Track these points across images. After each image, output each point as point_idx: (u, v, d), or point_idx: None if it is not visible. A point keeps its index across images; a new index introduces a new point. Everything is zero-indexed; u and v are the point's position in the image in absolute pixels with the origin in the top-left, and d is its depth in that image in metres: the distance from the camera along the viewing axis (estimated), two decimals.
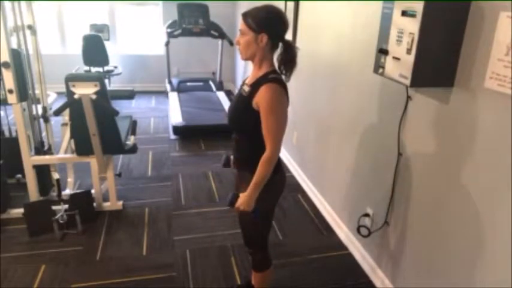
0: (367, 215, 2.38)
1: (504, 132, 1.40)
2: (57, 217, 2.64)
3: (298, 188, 3.46)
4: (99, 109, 2.55)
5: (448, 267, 1.72)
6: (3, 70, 2.45)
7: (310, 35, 3.29)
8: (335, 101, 2.84)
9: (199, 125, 4.54)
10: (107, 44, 5.42)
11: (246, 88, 1.63)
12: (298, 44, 3.48)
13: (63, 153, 2.97)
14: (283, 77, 1.63)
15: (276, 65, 1.64)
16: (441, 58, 1.59)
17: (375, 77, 2.00)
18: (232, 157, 1.84)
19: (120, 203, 3.03)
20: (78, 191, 2.95)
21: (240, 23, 1.59)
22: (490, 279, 1.51)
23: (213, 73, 6.42)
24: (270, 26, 1.56)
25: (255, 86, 1.58)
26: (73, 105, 2.52)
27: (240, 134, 1.73)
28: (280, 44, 1.62)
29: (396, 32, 1.65)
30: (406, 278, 2.06)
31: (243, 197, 1.65)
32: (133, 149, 2.95)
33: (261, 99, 1.55)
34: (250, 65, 1.68)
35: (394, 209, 2.12)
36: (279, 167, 1.75)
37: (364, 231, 2.32)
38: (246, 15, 1.57)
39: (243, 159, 1.76)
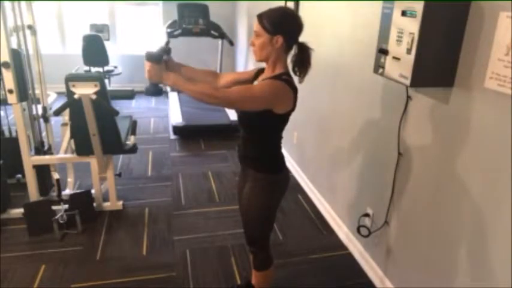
0: (367, 215, 2.37)
1: (504, 132, 1.40)
2: (57, 217, 2.64)
3: (298, 188, 3.45)
4: (99, 109, 2.55)
5: (448, 267, 1.72)
6: (3, 70, 2.45)
7: (310, 35, 3.28)
8: (335, 101, 2.84)
9: (199, 125, 4.54)
10: (107, 44, 5.42)
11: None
12: None
13: (63, 153, 2.97)
14: (296, 78, 1.64)
15: (290, 66, 1.65)
16: (441, 58, 1.59)
17: (375, 77, 2.00)
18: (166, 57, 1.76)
19: (120, 203, 3.03)
20: (78, 191, 2.95)
21: (254, 25, 1.59)
22: (490, 278, 1.51)
23: None
24: (286, 28, 1.56)
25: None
26: (73, 105, 2.52)
27: (248, 132, 1.73)
28: (295, 46, 1.62)
29: (396, 32, 1.65)
30: (406, 278, 2.06)
31: (159, 69, 1.59)
32: (133, 149, 2.95)
33: (265, 81, 1.57)
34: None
35: (394, 208, 2.12)
36: (283, 166, 1.76)
37: (364, 231, 2.32)
38: (261, 17, 1.56)
39: (250, 157, 1.76)
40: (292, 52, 1.64)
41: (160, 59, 1.64)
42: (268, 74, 1.64)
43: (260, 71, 1.75)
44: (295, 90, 1.60)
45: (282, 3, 3.62)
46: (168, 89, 5.70)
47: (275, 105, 1.56)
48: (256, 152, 1.72)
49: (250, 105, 1.55)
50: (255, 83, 1.69)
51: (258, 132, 1.68)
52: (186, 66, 1.87)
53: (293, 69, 1.64)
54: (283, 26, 1.55)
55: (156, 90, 1.66)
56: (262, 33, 1.56)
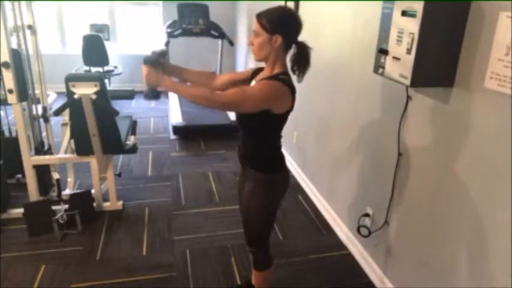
0: (367, 215, 2.38)
1: (504, 132, 1.40)
2: (57, 217, 2.63)
3: (298, 188, 3.45)
4: (99, 109, 2.55)
5: (448, 267, 1.72)
6: (3, 70, 2.45)
7: (310, 35, 3.28)
8: (335, 101, 2.84)
9: (199, 125, 4.54)
10: (107, 44, 5.42)
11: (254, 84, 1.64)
12: None
13: (63, 153, 2.97)
14: (294, 77, 1.64)
15: (289, 65, 1.64)
16: (441, 58, 1.59)
17: (375, 77, 2.00)
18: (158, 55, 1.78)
19: (120, 203, 3.03)
20: (78, 191, 2.95)
21: (254, 24, 1.58)
22: (490, 279, 1.51)
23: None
24: (285, 28, 1.56)
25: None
26: (73, 105, 2.52)
27: (247, 132, 1.73)
28: (294, 45, 1.62)
29: (396, 32, 1.65)
30: (406, 278, 2.06)
31: (156, 74, 1.63)
32: (133, 149, 2.95)
33: (262, 81, 1.57)
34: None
35: (394, 209, 2.12)
36: (283, 165, 1.75)
37: (364, 231, 2.32)
38: (260, 16, 1.56)
39: (250, 156, 1.76)
40: (291, 52, 1.64)
41: (157, 62, 1.64)
42: (267, 73, 1.64)
43: (258, 70, 1.75)
44: (293, 89, 1.59)
45: (282, 3, 3.62)
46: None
47: (273, 105, 1.56)
48: (256, 152, 1.72)
49: (247, 107, 1.55)
50: (253, 82, 1.68)
51: (256, 132, 1.68)
52: (182, 68, 1.87)
53: (292, 69, 1.64)
54: (282, 25, 1.55)
55: (154, 94, 1.65)
56: (261, 33, 1.56)
